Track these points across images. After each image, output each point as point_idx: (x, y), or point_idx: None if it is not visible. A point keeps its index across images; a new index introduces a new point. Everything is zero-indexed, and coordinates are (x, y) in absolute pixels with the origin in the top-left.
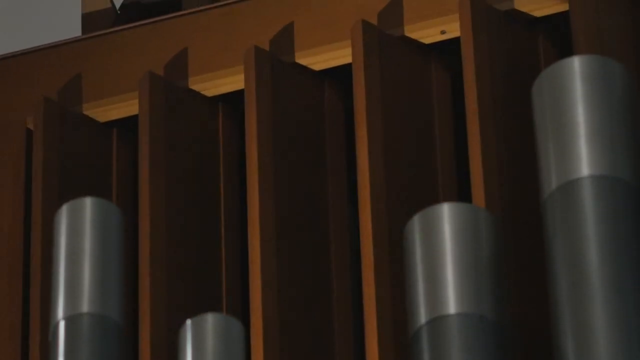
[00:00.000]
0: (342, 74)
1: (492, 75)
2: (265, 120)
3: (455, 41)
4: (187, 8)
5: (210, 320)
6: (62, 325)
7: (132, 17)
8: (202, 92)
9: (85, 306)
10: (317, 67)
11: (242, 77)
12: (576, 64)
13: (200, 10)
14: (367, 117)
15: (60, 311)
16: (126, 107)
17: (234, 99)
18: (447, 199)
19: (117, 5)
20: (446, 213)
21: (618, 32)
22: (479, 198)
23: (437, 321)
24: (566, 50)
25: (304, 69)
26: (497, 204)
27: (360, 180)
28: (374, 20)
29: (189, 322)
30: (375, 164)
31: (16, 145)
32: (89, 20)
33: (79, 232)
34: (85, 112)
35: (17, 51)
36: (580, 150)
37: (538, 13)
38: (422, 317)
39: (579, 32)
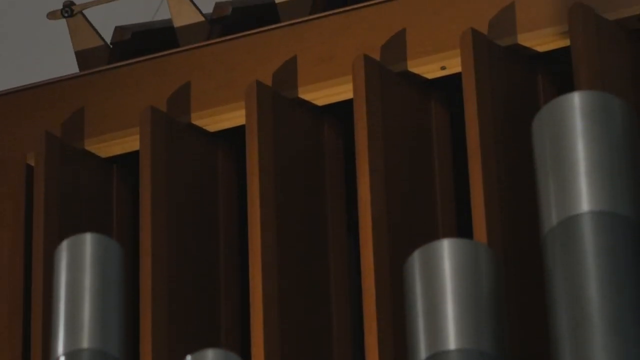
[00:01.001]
0: (340, 109)
1: (493, 111)
2: (266, 154)
3: (455, 77)
4: (184, 44)
5: (210, 355)
6: None
7: (127, 54)
8: (203, 128)
9: (85, 342)
10: (319, 102)
11: (242, 112)
12: (576, 100)
13: (201, 46)
14: (368, 152)
15: (60, 347)
16: (127, 142)
17: (233, 135)
18: (446, 234)
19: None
20: (446, 249)
21: (618, 68)
22: (480, 233)
23: (438, 357)
24: (565, 86)
25: (305, 104)
26: (498, 240)
27: (362, 215)
28: (374, 56)
29: (189, 358)
30: (377, 199)
31: (16, 180)
32: (84, 58)
33: (79, 268)
34: (87, 148)
35: (17, 87)
36: (580, 186)
37: (540, 48)
38: (423, 352)
39: (580, 67)
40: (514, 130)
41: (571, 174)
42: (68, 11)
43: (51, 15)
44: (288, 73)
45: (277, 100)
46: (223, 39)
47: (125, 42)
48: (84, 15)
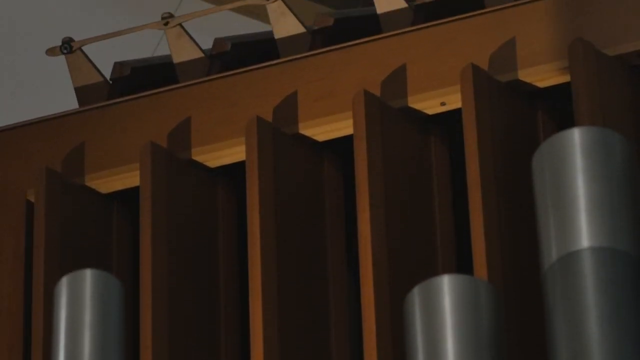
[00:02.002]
0: (340, 144)
1: (493, 146)
2: (266, 189)
3: (455, 113)
4: (184, 80)
5: None
6: None
7: (127, 90)
8: (204, 163)
9: None
10: (319, 137)
11: (242, 148)
12: (576, 136)
13: (201, 82)
14: (368, 187)
15: None
16: (127, 178)
17: (233, 170)
18: (446, 270)
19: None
20: (446, 284)
21: (619, 103)
22: (480, 269)
23: None
24: (565, 122)
25: (305, 139)
26: (498, 276)
27: (362, 251)
28: (374, 91)
29: None
30: (377, 235)
31: (16, 216)
32: (83, 94)
33: (79, 304)
34: (87, 184)
35: (17, 123)
36: (580, 222)
37: (540, 84)
38: None
39: (581, 103)
40: (514, 165)
41: (571, 210)
42: (67, 47)
43: (50, 51)
44: (288, 109)
45: (277, 135)
46: (223, 74)
47: (125, 78)
48: (83, 52)
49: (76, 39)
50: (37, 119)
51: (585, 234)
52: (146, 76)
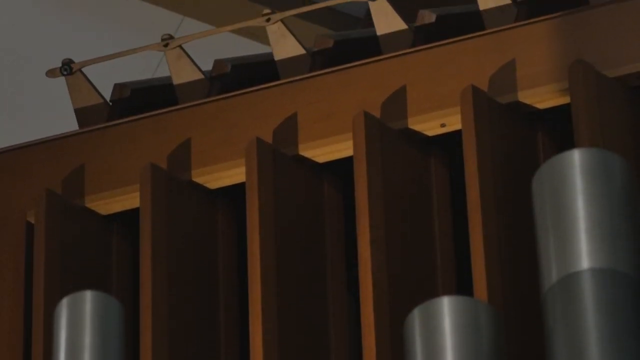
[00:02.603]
0: (340, 166)
1: (493, 168)
2: (266, 211)
3: (455, 134)
4: (183, 102)
5: None
6: None
7: (126, 111)
8: (204, 185)
9: None
10: (319, 159)
11: (242, 170)
12: (576, 157)
13: (201, 103)
14: (369, 209)
15: None
16: (127, 200)
17: (233, 192)
18: (446, 291)
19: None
20: (446, 306)
21: (619, 125)
22: (480, 291)
23: None
24: (565, 143)
25: (305, 161)
26: (498, 297)
27: (362, 273)
28: (374, 113)
29: None
30: (377, 256)
31: (16, 238)
32: (83, 115)
33: (79, 326)
34: (87, 205)
35: (17, 144)
36: (580, 243)
37: (540, 105)
38: None
39: (581, 124)
40: (513, 187)
41: (571, 231)
42: (67, 69)
43: (50, 73)
44: (288, 130)
45: (278, 157)
46: (223, 96)
47: (125, 99)
48: (82, 73)
49: (76, 60)
50: (37, 141)
51: (585, 255)
52: (146, 98)
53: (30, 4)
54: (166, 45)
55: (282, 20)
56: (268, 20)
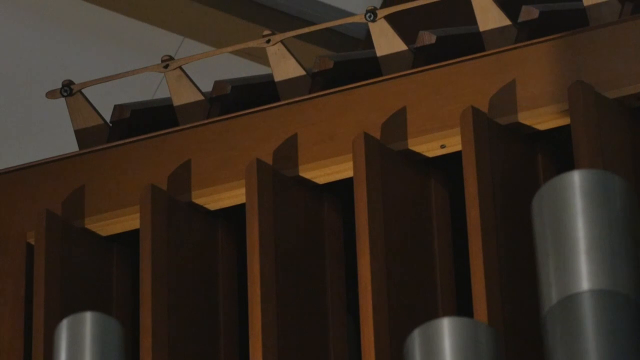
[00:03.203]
0: (340, 187)
1: (493, 189)
2: (267, 232)
3: (454, 155)
4: (184, 123)
5: None
6: None
7: (126, 132)
8: (204, 206)
9: None
10: (319, 180)
11: (242, 191)
12: (576, 178)
13: (201, 125)
14: (369, 231)
15: None
16: (127, 221)
17: (234, 213)
18: (446, 312)
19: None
20: (446, 327)
21: (618, 146)
22: (480, 312)
23: None
24: (565, 164)
25: (305, 182)
26: (498, 319)
27: (362, 295)
28: (375, 134)
29: None
30: (377, 278)
31: (16, 259)
32: (83, 136)
33: (79, 347)
34: (87, 226)
35: (17, 166)
36: (580, 264)
37: (540, 127)
38: None
39: (581, 145)
40: (513, 208)
41: (571, 253)
42: (67, 90)
43: (50, 94)
44: (288, 151)
45: (277, 178)
46: (223, 117)
47: (125, 121)
48: (83, 94)
49: (77, 80)
50: (37, 162)
51: (585, 277)
52: (146, 119)
53: (31, 25)
54: (166, 67)
55: (282, 42)
56: (268, 41)
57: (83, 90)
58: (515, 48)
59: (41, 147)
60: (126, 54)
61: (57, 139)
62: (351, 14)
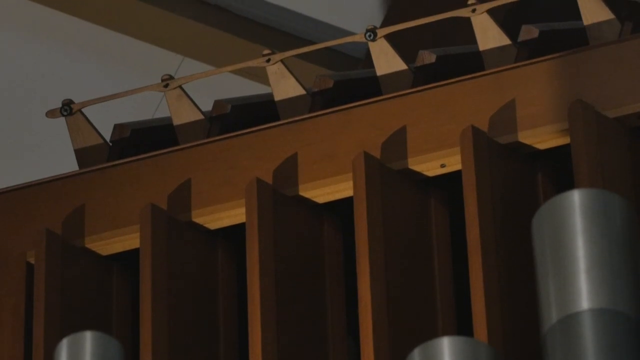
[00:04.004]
0: (339, 206)
1: (493, 208)
2: (267, 252)
3: (454, 175)
4: (183, 142)
5: None
6: None
7: (126, 151)
8: (204, 225)
9: None
10: (319, 199)
11: (242, 210)
12: (576, 198)
13: (201, 144)
14: (369, 249)
15: None
16: (127, 240)
17: (234, 233)
18: (446, 332)
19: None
20: (447, 346)
21: (618, 165)
22: (480, 331)
23: None
24: (565, 183)
25: (305, 201)
26: (498, 337)
27: (362, 314)
28: (375, 153)
29: None
30: (377, 298)
31: (16, 278)
32: (83, 155)
33: None
34: (87, 246)
35: (17, 185)
36: (580, 284)
37: (540, 146)
38: None
39: (581, 164)
40: (513, 227)
41: (571, 272)
42: (67, 109)
43: (50, 114)
44: (288, 171)
45: (277, 197)
46: (223, 136)
47: (125, 140)
48: (83, 114)
49: (76, 99)
50: (37, 181)
51: (585, 296)
52: (146, 138)
53: (32, 43)
54: (166, 86)
55: (282, 61)
56: (268, 60)
57: (83, 109)
58: (514, 67)
59: (40, 166)
60: (126, 73)
61: (57, 158)
62: (351, 34)
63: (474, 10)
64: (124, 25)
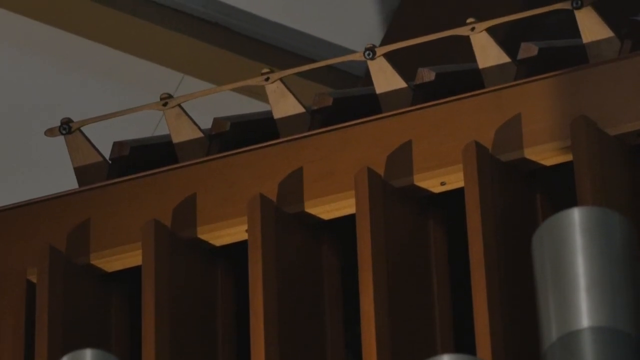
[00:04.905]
0: (337, 224)
1: (495, 225)
2: (268, 268)
3: (453, 193)
4: (183, 160)
5: None
6: None
7: (126, 169)
8: (207, 242)
9: None
10: (321, 217)
11: (244, 227)
12: (576, 215)
13: (203, 161)
14: (372, 265)
15: None
16: (128, 258)
17: (236, 250)
18: (444, 349)
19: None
20: None
21: (619, 183)
22: (484, 349)
23: None
24: (565, 201)
25: (305, 219)
26: (501, 355)
27: (365, 328)
28: (376, 171)
29: None
30: (380, 314)
31: (16, 296)
32: (83, 174)
33: None
34: (89, 263)
35: (18, 202)
36: (580, 302)
37: (543, 163)
38: None
39: (583, 181)
40: (515, 244)
41: (571, 290)
42: (66, 128)
43: (49, 132)
44: (290, 188)
45: (279, 215)
46: (225, 154)
47: (124, 158)
48: (82, 132)
49: (76, 117)
50: (39, 199)
51: (585, 314)
52: (146, 155)
53: (32, 60)
54: (165, 104)
55: (281, 79)
56: (267, 79)
57: (82, 128)
58: (514, 85)
59: (43, 183)
60: (127, 91)
61: (58, 175)
62: (352, 51)
63: (473, 29)
64: (125, 44)
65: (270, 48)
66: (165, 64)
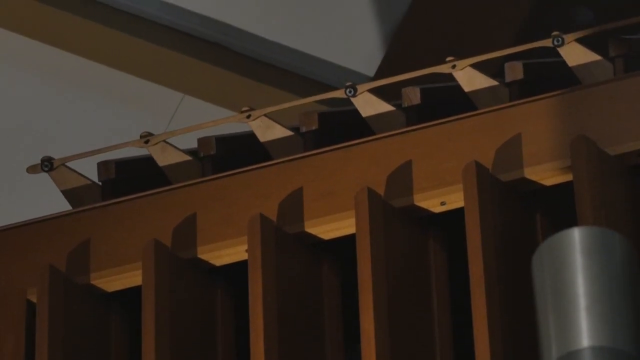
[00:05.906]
0: (336, 245)
1: (495, 244)
2: (269, 288)
3: (453, 213)
4: (175, 182)
5: None
6: None
7: (119, 191)
8: (207, 262)
9: None
10: (321, 237)
11: (244, 248)
12: (576, 235)
13: (201, 182)
14: (372, 284)
15: None
16: (127, 277)
17: (235, 270)
18: None
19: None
20: None
21: (619, 203)
22: None
23: None
24: (564, 220)
25: (305, 239)
26: None
27: (365, 347)
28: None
29: None
30: (380, 333)
31: (16, 316)
32: (74, 196)
33: None
34: (89, 283)
35: (18, 222)
36: (580, 321)
37: (541, 184)
38: None
39: (583, 200)
40: (514, 264)
41: (571, 309)
42: (48, 165)
43: (31, 169)
44: (289, 208)
45: (280, 234)
46: (225, 174)
47: (112, 180)
48: (66, 167)
49: (72, 136)
50: (38, 219)
51: (585, 334)
52: (137, 172)
53: (30, 79)
54: (147, 142)
55: (266, 115)
56: (248, 116)
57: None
58: (514, 105)
59: (40, 203)
60: (126, 111)
61: (58, 195)
62: (352, 71)
63: (454, 67)
64: (125, 63)
65: (272, 68)
66: (166, 83)
